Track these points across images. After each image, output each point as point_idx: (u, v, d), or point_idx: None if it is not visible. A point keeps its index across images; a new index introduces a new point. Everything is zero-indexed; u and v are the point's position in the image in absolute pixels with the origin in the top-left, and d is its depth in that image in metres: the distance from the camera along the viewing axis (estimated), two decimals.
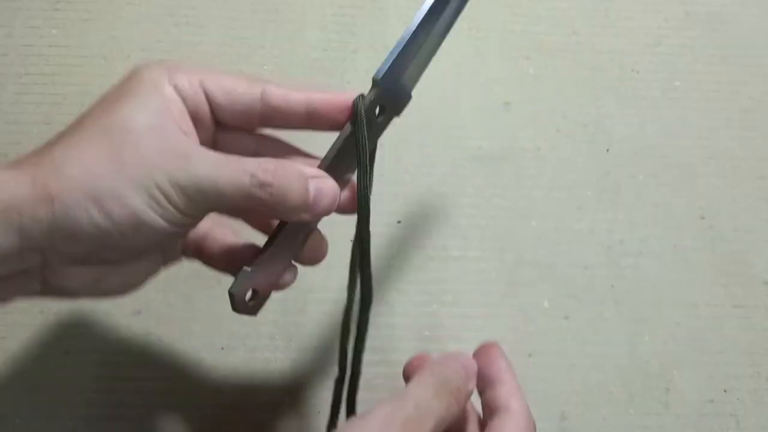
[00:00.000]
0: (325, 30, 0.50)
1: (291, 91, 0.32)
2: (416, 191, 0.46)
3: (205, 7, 0.51)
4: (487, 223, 0.46)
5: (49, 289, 0.29)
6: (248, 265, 0.31)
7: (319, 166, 0.31)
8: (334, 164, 0.31)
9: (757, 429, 0.41)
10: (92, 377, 0.41)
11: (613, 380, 0.42)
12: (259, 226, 0.35)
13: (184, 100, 0.30)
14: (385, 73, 0.32)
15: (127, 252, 0.29)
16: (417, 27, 0.33)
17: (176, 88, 0.30)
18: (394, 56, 0.32)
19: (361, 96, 0.32)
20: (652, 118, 0.49)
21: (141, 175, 0.27)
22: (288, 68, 0.49)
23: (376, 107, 0.32)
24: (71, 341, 0.41)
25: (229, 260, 0.34)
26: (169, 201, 0.28)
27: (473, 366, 0.33)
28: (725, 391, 0.42)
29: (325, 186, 0.30)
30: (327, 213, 0.30)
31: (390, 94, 0.33)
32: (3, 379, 0.40)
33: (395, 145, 0.47)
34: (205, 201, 0.28)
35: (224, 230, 0.35)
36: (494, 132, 0.48)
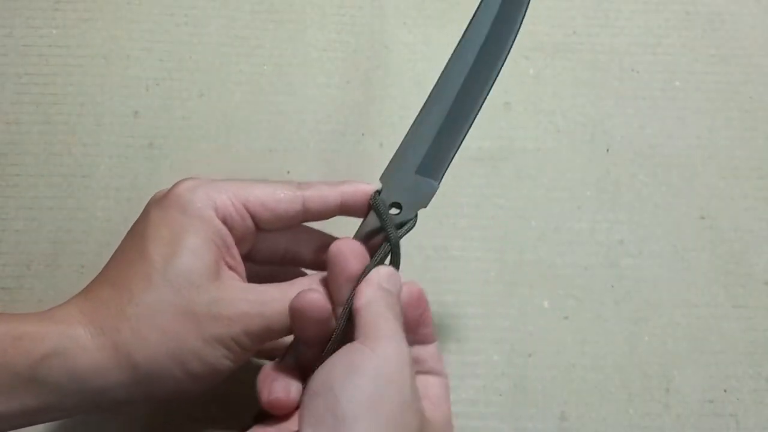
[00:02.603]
0: (324, 30, 0.50)
1: (326, 191, 0.33)
2: None
3: (205, 7, 0.51)
4: (487, 223, 0.46)
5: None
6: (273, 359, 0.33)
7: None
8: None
9: (757, 429, 0.41)
10: None
11: (612, 380, 0.42)
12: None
13: (231, 230, 0.32)
14: (386, 173, 0.34)
15: (192, 394, 0.31)
16: (414, 122, 0.34)
17: (224, 220, 0.31)
18: (393, 157, 0.34)
19: (376, 192, 0.34)
20: (652, 118, 0.49)
21: (217, 333, 0.29)
22: (288, 68, 0.49)
23: (388, 203, 0.33)
24: None
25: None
26: (241, 347, 0.30)
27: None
28: (725, 391, 0.42)
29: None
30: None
31: (405, 190, 0.34)
32: None
33: (395, 146, 0.47)
34: (270, 336, 0.30)
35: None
36: (494, 132, 0.48)
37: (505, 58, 0.35)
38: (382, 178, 0.34)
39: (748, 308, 0.44)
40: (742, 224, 0.46)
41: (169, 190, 0.32)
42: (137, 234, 0.31)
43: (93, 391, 0.28)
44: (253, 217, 0.32)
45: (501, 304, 0.44)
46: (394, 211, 0.33)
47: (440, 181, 0.34)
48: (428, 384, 0.31)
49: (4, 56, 0.48)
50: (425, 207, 0.34)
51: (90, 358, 0.28)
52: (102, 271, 0.31)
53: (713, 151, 0.48)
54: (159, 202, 0.32)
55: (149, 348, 0.28)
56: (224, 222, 0.31)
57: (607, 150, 0.48)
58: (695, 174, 0.48)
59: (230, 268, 0.32)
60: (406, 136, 0.35)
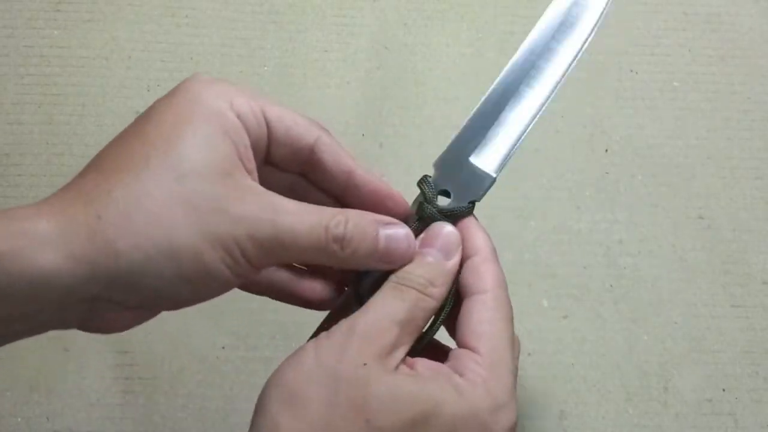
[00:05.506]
0: (325, 31, 0.51)
1: (342, 151, 0.30)
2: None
3: (205, 8, 0.51)
4: (487, 223, 0.46)
5: (85, 328, 0.27)
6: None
7: None
8: None
9: (756, 428, 0.42)
10: (93, 376, 0.41)
11: (611, 379, 0.42)
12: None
13: (247, 130, 0.27)
14: (440, 159, 0.32)
15: (184, 303, 0.27)
16: (477, 109, 0.32)
17: (240, 117, 0.27)
18: (450, 142, 0.32)
19: (425, 177, 0.32)
20: (650, 118, 0.49)
21: (219, 230, 0.25)
22: (288, 69, 0.49)
23: (436, 189, 0.32)
24: (71, 340, 0.42)
25: None
26: (244, 255, 0.26)
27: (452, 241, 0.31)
28: (724, 390, 0.42)
29: (396, 233, 0.29)
30: (402, 260, 0.29)
31: (457, 179, 0.32)
32: (3, 379, 0.41)
33: (395, 146, 0.47)
34: (281, 253, 0.27)
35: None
36: None
37: (578, 55, 0.33)
38: (435, 164, 0.32)
39: (746, 307, 0.44)
40: (741, 224, 0.47)
41: (178, 84, 0.28)
42: (137, 122, 0.27)
43: (60, 292, 0.24)
44: (268, 128, 0.28)
45: None
46: (443, 200, 0.31)
47: (498, 174, 0.32)
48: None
49: (6, 57, 0.48)
50: (478, 200, 0.32)
51: (54, 253, 0.23)
52: (90, 161, 0.27)
53: (712, 151, 0.49)
54: (166, 95, 0.28)
55: (135, 234, 0.24)
56: (240, 119, 0.27)
57: (606, 150, 0.48)
58: (694, 174, 0.48)
59: (247, 171, 0.27)
60: (466, 122, 0.32)
